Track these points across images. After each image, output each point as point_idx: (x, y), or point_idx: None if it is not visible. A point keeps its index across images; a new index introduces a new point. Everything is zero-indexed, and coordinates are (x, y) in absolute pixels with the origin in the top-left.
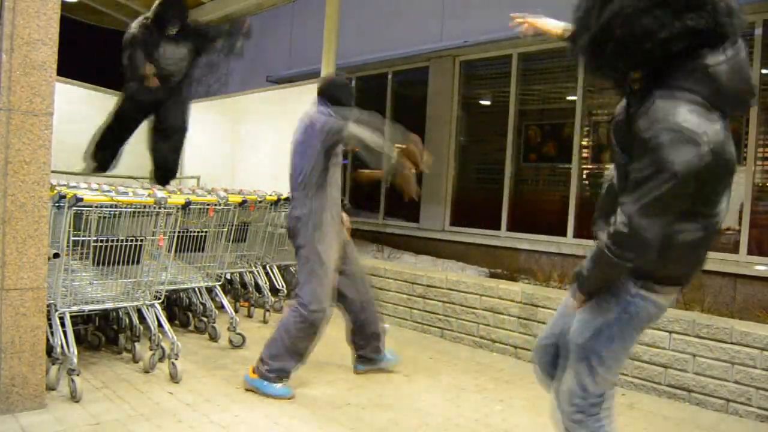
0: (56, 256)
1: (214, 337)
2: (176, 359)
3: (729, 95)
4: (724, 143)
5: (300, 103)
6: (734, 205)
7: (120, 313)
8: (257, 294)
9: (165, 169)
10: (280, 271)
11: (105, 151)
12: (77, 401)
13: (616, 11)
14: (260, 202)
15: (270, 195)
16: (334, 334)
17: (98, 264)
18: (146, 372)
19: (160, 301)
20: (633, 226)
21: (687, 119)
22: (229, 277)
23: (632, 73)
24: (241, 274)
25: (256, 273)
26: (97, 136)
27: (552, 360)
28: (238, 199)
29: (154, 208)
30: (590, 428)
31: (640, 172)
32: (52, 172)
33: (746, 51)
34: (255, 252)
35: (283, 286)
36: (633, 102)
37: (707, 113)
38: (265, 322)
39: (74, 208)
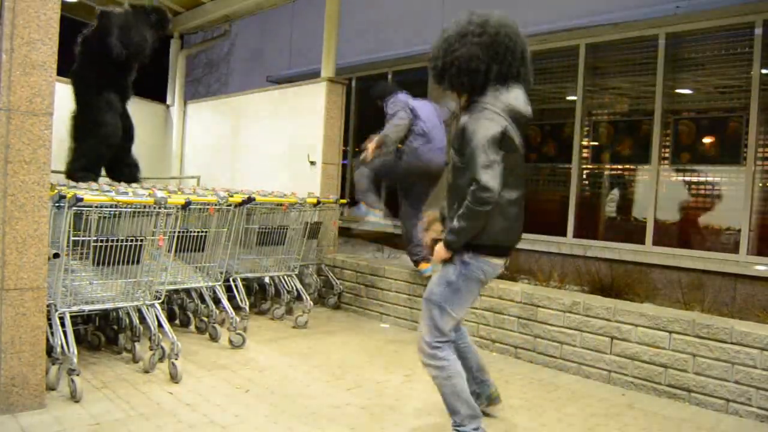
0: (56, 256)
1: (214, 337)
2: (176, 359)
3: (512, 112)
4: (511, 133)
5: (300, 103)
6: (734, 205)
7: (120, 313)
8: (288, 297)
9: (134, 165)
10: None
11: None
12: (77, 401)
13: (456, 57)
14: (300, 204)
15: (310, 197)
16: (332, 338)
17: (98, 264)
18: (146, 372)
19: (160, 301)
20: (481, 182)
21: (488, 117)
22: (267, 281)
23: (461, 97)
24: (279, 277)
25: (294, 277)
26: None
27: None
28: (237, 199)
29: (154, 208)
30: (443, 354)
31: (470, 152)
32: (52, 172)
33: (522, 90)
34: (293, 255)
35: (293, 287)
36: (462, 114)
37: (498, 115)
38: (303, 326)
39: (74, 208)
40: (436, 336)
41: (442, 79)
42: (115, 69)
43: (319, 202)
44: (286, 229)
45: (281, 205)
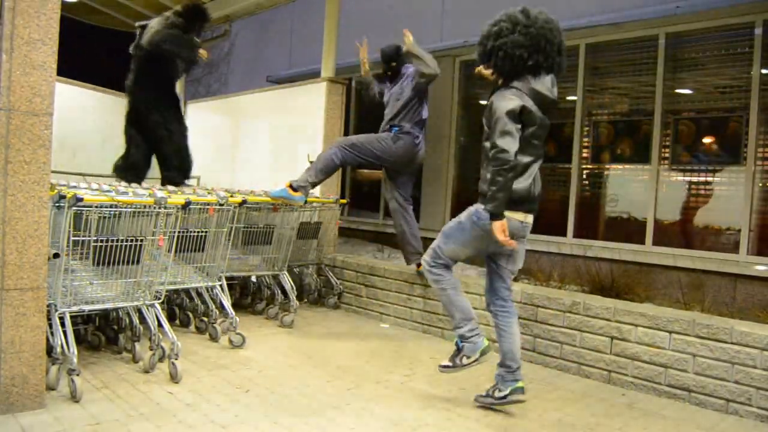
0: (56, 256)
1: (214, 337)
2: (176, 359)
3: (537, 96)
4: (531, 110)
5: (300, 103)
6: (734, 205)
7: (120, 313)
8: (282, 297)
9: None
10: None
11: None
12: (77, 401)
13: (504, 42)
14: (287, 204)
15: None
16: (332, 338)
17: (98, 264)
18: (146, 372)
19: (160, 301)
20: (498, 145)
21: (511, 95)
22: (254, 280)
23: (499, 78)
24: (264, 277)
25: (282, 276)
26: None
27: (500, 306)
28: (238, 200)
29: (154, 208)
30: (435, 273)
31: (494, 122)
32: (52, 172)
33: (552, 77)
34: (281, 255)
35: (293, 287)
36: (494, 92)
37: (521, 95)
38: (289, 325)
39: (74, 208)
40: (434, 257)
41: (488, 60)
42: (171, 77)
43: (305, 201)
44: (272, 228)
45: (275, 205)
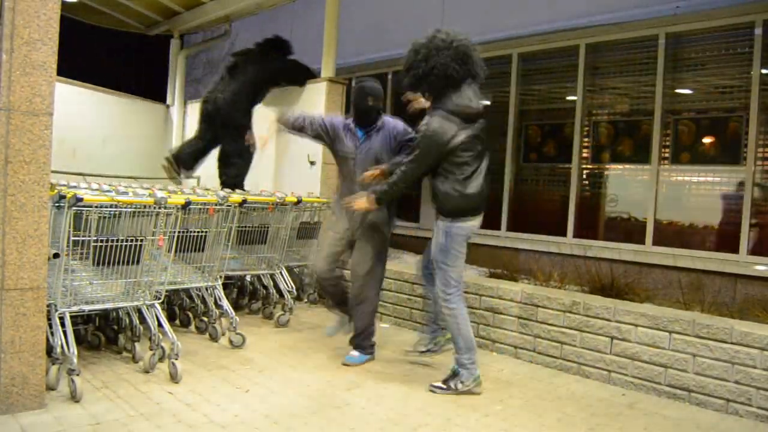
0: (56, 256)
1: (214, 337)
2: (176, 359)
3: (464, 111)
4: (459, 138)
5: (300, 103)
6: (734, 205)
7: (120, 313)
8: (278, 296)
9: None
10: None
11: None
12: (77, 401)
13: (435, 64)
14: (282, 204)
15: (289, 196)
16: (332, 338)
17: (98, 264)
18: (146, 372)
19: (160, 301)
20: (409, 164)
21: (434, 122)
22: (249, 279)
23: (430, 98)
24: (259, 276)
25: (278, 275)
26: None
27: (429, 276)
28: (238, 199)
29: (154, 208)
30: (453, 303)
31: (418, 142)
32: (52, 172)
33: (474, 89)
34: (276, 254)
35: (293, 287)
36: (428, 112)
37: (448, 118)
38: (284, 325)
39: (74, 208)
40: (446, 285)
41: (420, 84)
42: (254, 96)
43: (299, 201)
44: (267, 227)
45: (271, 204)
